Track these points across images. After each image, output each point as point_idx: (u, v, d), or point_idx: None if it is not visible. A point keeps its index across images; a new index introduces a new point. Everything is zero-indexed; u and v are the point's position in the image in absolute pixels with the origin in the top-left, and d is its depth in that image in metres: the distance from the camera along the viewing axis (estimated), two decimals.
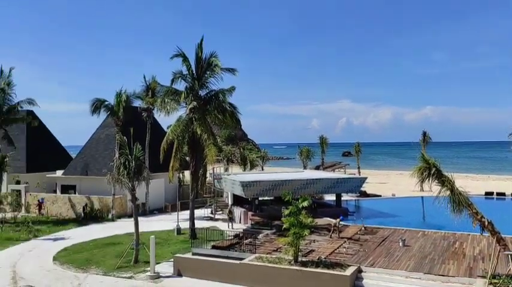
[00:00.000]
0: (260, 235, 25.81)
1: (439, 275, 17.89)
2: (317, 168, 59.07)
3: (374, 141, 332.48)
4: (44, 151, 47.68)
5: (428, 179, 18.08)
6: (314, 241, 23.99)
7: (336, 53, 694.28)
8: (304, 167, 58.01)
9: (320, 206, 35.96)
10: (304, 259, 19.63)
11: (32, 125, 44.15)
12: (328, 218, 29.85)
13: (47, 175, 44.44)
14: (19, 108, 38.66)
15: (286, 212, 19.63)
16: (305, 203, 19.42)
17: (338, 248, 22.43)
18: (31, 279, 21.09)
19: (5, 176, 34.26)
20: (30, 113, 46.34)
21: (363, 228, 26.83)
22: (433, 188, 21.62)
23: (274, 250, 21.92)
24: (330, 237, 24.85)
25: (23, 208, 41.07)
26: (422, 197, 44.26)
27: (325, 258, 20.08)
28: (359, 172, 64.17)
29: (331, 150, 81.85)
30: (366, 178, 39.19)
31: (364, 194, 48.10)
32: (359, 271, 18.83)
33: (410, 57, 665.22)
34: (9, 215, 37.46)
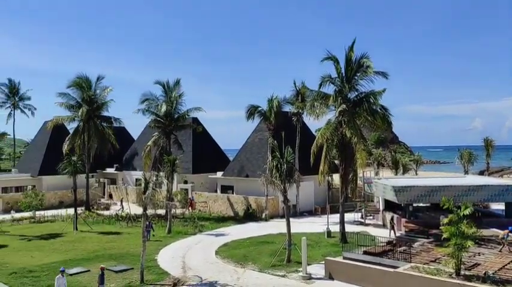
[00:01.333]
0: (415, 244, 24.39)
1: None
2: (481, 173, 53.55)
3: None
4: (206, 154, 52.67)
5: None
6: (479, 253, 21.69)
7: (504, 46, 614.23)
8: (466, 172, 52.76)
9: (486, 215, 32.39)
10: (467, 273, 17.94)
11: (197, 131, 49.25)
12: (496, 229, 26.71)
13: (209, 176, 49.00)
14: (187, 116, 43.44)
15: (446, 220, 18.22)
16: (466, 212, 17.74)
17: (509, 263, 19.89)
18: (197, 270, 23.49)
19: (175, 177, 38.75)
20: (195, 120, 51.74)
21: None
22: None
23: (431, 261, 20.51)
24: (500, 251, 22.17)
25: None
26: None
27: (493, 273, 18.02)
28: None
29: (498, 153, 72.98)
30: None
31: None
32: None
33: None
34: (178, 211, 42.42)
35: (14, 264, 24.76)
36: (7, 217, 41.11)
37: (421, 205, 34.92)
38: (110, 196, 54.40)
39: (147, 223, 31.14)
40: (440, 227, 18.84)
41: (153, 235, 31.83)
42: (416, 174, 56.64)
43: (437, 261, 20.24)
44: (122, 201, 46.26)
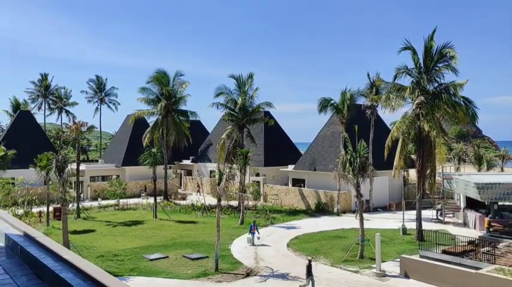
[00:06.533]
0: (500, 244, 22.78)
1: None
2: None
3: None
4: (278, 147, 53.04)
5: None
6: None
7: None
8: None
9: None
10: None
11: (269, 124, 49.73)
12: None
13: (281, 169, 49.31)
14: (260, 110, 44.00)
15: None
16: None
17: None
18: (269, 261, 23.85)
19: (248, 169, 39.48)
20: (267, 113, 52.21)
21: None
22: None
23: None
24: None
25: (262, 197, 46.67)
26: None
27: None
28: None
29: None
30: None
31: None
32: None
33: None
34: (250, 203, 43.21)
35: (100, 248, 26.83)
36: (95, 203, 44.54)
37: (507, 203, 32.53)
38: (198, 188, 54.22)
39: (252, 224, 28.41)
40: None
41: (258, 238, 28.02)
42: (502, 170, 52.77)
43: None
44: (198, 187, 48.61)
